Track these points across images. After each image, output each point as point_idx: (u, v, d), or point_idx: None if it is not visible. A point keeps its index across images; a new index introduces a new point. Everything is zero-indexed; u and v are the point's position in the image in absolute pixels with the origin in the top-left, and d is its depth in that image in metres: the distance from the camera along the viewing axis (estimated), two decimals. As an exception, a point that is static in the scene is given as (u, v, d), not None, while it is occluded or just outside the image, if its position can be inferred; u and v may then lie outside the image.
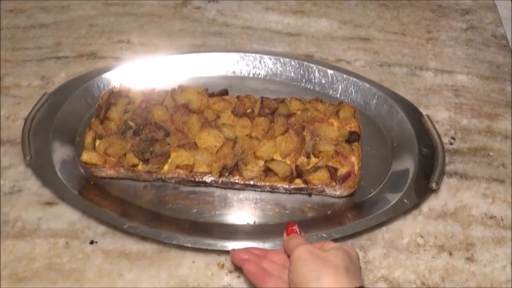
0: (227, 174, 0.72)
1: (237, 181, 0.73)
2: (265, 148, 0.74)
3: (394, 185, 0.75)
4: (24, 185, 0.77)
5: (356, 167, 0.73)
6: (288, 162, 0.74)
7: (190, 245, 0.68)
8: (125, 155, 0.74)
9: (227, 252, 0.68)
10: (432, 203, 0.75)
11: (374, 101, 0.85)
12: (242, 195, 0.76)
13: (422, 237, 0.71)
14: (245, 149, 0.74)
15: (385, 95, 0.84)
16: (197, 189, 0.76)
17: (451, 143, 0.82)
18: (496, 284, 0.67)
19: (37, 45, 0.98)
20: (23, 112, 0.86)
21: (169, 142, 0.75)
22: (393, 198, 0.72)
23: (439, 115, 0.86)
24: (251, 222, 0.73)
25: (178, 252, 0.70)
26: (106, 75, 0.87)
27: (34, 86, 0.91)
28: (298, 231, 0.63)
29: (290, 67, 0.90)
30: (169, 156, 0.74)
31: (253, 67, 0.91)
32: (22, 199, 0.75)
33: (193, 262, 0.69)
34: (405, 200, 0.71)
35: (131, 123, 0.77)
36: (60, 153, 0.78)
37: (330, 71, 0.88)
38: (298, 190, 0.74)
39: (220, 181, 0.73)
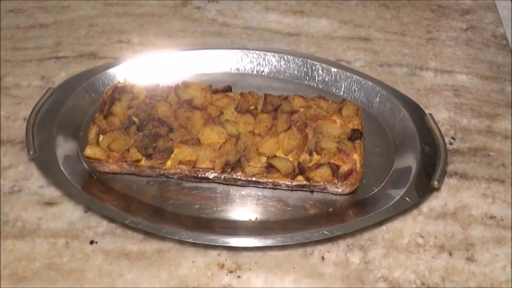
0: (229, 170, 0.72)
1: (239, 177, 0.73)
2: (268, 144, 0.74)
3: (396, 183, 0.75)
4: (24, 185, 0.77)
5: (358, 165, 0.73)
6: (291, 159, 0.74)
7: (191, 241, 0.68)
8: (128, 150, 0.74)
9: (227, 248, 0.69)
10: (432, 203, 0.75)
11: (377, 99, 0.85)
12: (244, 191, 0.76)
13: (422, 237, 0.71)
14: (248, 146, 0.74)
15: (388, 94, 0.85)
16: (199, 185, 0.76)
17: (451, 143, 0.82)
18: (496, 284, 0.67)
19: (37, 45, 0.98)
20: (23, 112, 0.86)
21: (172, 138, 0.75)
22: (395, 196, 0.72)
23: (439, 115, 0.86)
24: (253, 219, 0.73)
25: (178, 252, 0.70)
26: (111, 71, 0.88)
27: (34, 86, 0.91)
28: None
29: (293, 65, 0.90)
30: (172, 151, 0.74)
31: (257, 64, 0.91)
32: (22, 199, 0.75)
33: (193, 262, 0.69)
34: (406, 198, 0.72)
35: (135, 119, 0.78)
36: (64, 148, 0.79)
37: (333, 69, 0.89)
38: (300, 187, 0.74)
39: (222, 177, 0.73)
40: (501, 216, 0.74)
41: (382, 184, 0.76)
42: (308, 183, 0.72)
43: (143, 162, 0.74)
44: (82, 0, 1.07)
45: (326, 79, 0.89)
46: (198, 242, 0.68)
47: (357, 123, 0.78)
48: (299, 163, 0.73)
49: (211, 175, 0.74)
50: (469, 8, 1.05)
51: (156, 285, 0.67)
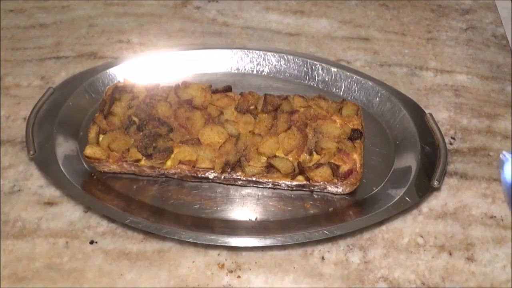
0: (229, 170, 0.72)
1: (239, 177, 0.73)
2: (268, 144, 0.74)
3: (396, 183, 0.75)
4: (24, 185, 0.77)
5: (358, 165, 0.73)
6: (291, 158, 0.74)
7: (191, 240, 0.68)
8: (128, 150, 0.74)
9: (227, 248, 0.69)
10: (432, 203, 0.75)
11: (377, 99, 0.85)
12: (245, 191, 0.76)
13: (422, 237, 0.71)
14: (248, 146, 0.74)
15: (388, 94, 0.85)
16: (199, 185, 0.76)
17: (451, 143, 0.82)
18: (496, 284, 0.67)
19: (37, 45, 0.98)
20: (23, 112, 0.86)
21: (172, 138, 0.75)
22: (395, 196, 0.72)
23: (439, 115, 0.86)
24: (253, 218, 0.73)
25: (178, 252, 0.70)
26: (111, 71, 0.88)
27: (34, 86, 0.91)
28: None
29: (293, 65, 0.90)
30: (172, 151, 0.74)
31: (257, 64, 0.91)
32: (22, 199, 0.75)
33: (193, 262, 0.69)
34: (406, 198, 0.71)
35: (135, 118, 0.78)
36: (64, 147, 0.79)
37: (333, 69, 0.89)
38: (300, 187, 0.74)
39: (222, 177, 0.74)
40: (501, 216, 0.74)
41: (382, 184, 0.76)
42: (308, 183, 0.72)
43: (143, 162, 0.74)
44: (82, 0, 1.07)
45: (326, 79, 0.89)
46: (198, 242, 0.68)
47: (357, 123, 0.78)
48: (299, 163, 0.73)
49: (211, 175, 0.74)
50: (469, 8, 1.05)
51: (156, 285, 0.67)
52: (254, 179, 0.73)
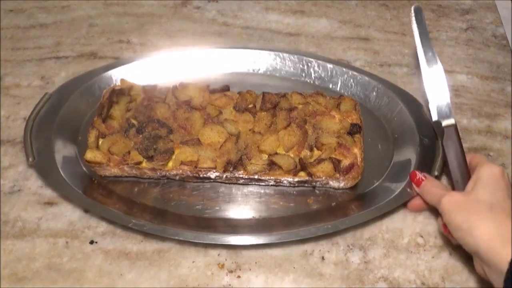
0: (231, 169, 0.73)
1: (241, 175, 0.73)
2: (268, 142, 0.74)
3: (397, 176, 0.75)
4: (24, 185, 0.77)
5: (359, 159, 0.74)
6: (292, 155, 0.74)
7: (194, 240, 0.68)
8: (129, 153, 0.74)
9: (227, 248, 0.69)
10: (432, 203, 0.75)
11: (374, 93, 0.86)
12: (247, 189, 0.76)
13: (422, 237, 0.71)
14: (249, 144, 0.74)
15: (384, 88, 0.85)
16: (201, 185, 0.76)
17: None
18: (496, 284, 0.67)
19: (37, 45, 0.98)
20: (23, 112, 0.86)
21: (172, 139, 0.75)
22: (396, 188, 0.73)
23: (439, 115, 0.86)
24: (256, 216, 0.73)
25: (178, 252, 0.70)
26: (107, 74, 0.87)
27: (34, 86, 0.91)
28: (423, 177, 0.69)
29: (289, 62, 0.90)
30: (173, 152, 0.74)
31: (253, 63, 0.91)
32: (22, 199, 0.75)
33: (193, 262, 0.69)
34: (408, 190, 0.72)
35: (134, 121, 0.77)
36: (63, 152, 0.78)
37: (329, 65, 0.89)
38: (302, 183, 0.74)
39: (224, 176, 0.74)
40: (501, 216, 0.73)
41: (383, 177, 0.76)
42: (310, 178, 0.72)
43: (144, 164, 0.74)
44: (82, 0, 1.07)
45: (323, 75, 0.89)
46: (200, 241, 0.68)
47: (356, 117, 0.78)
48: (300, 159, 0.73)
49: (213, 174, 0.74)
50: (469, 8, 1.05)
51: (156, 285, 0.67)
52: (256, 177, 0.73)
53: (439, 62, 0.76)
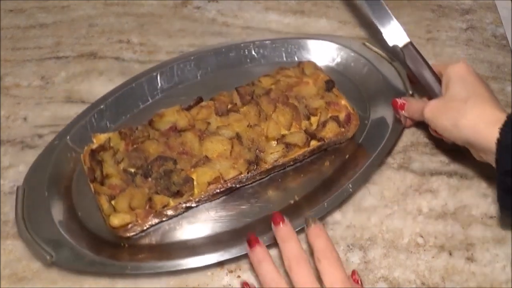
0: (255, 167, 0.72)
1: (266, 167, 0.73)
2: (271, 128, 0.75)
3: (382, 106, 0.81)
4: (24, 185, 0.77)
5: (349, 107, 0.78)
6: (296, 130, 0.76)
7: (223, 259, 0.67)
8: (150, 199, 0.69)
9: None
10: (432, 203, 0.75)
11: (338, 55, 0.90)
12: (267, 181, 0.76)
13: (422, 237, 0.71)
14: (254, 138, 0.74)
15: (340, 47, 0.90)
16: (225, 198, 0.75)
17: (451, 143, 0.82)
18: (496, 284, 0.67)
19: (37, 45, 0.99)
20: (23, 112, 0.87)
21: (182, 168, 0.71)
22: (389, 121, 0.78)
23: (439, 115, 0.86)
24: (292, 201, 0.74)
25: (178, 252, 0.70)
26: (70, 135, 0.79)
27: (34, 86, 0.91)
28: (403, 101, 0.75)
29: (231, 54, 0.91)
30: (192, 179, 0.71)
31: (198, 69, 0.90)
32: (22, 199, 0.75)
33: (193, 262, 0.69)
34: (398, 117, 0.78)
35: (132, 169, 0.72)
36: (71, 233, 0.70)
37: (267, 42, 0.91)
38: (315, 151, 0.77)
39: (248, 176, 0.73)
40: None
41: (370, 113, 0.82)
42: (323, 142, 0.75)
43: (172, 203, 0.69)
44: (82, 0, 1.07)
45: (265, 54, 0.91)
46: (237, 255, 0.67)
47: (323, 75, 0.81)
48: (305, 130, 0.75)
49: (243, 179, 0.73)
50: (469, 8, 1.05)
51: (156, 285, 0.67)
52: (278, 163, 0.74)
53: None
